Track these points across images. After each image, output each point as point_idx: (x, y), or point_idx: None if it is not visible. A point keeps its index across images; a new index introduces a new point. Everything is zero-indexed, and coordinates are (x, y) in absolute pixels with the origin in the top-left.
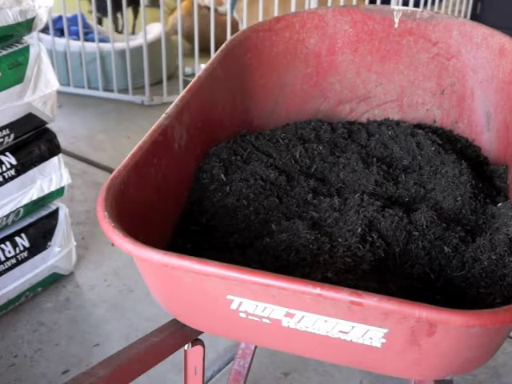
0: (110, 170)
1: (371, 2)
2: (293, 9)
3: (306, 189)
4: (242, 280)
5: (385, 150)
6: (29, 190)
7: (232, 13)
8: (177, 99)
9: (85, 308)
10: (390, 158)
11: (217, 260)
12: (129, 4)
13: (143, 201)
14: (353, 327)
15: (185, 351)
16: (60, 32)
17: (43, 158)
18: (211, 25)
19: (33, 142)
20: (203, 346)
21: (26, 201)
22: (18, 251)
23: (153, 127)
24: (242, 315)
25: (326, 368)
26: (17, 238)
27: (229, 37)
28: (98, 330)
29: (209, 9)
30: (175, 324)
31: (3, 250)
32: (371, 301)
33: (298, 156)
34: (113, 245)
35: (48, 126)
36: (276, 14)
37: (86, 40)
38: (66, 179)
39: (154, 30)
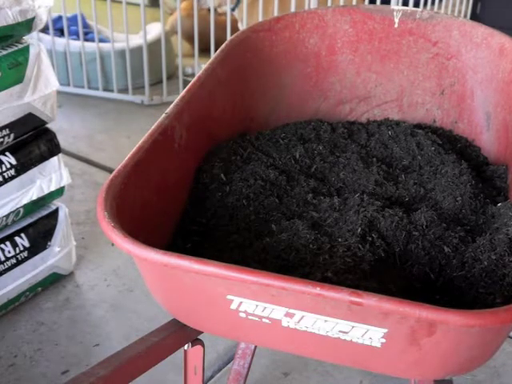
0: (110, 170)
1: (371, 2)
2: (293, 9)
3: (306, 189)
4: (242, 280)
5: (385, 150)
6: (29, 190)
7: (233, 10)
8: (177, 99)
9: (85, 308)
10: (389, 158)
11: (217, 260)
12: None
13: (143, 201)
14: (353, 327)
15: (185, 351)
16: (60, 32)
17: (43, 158)
18: (211, 25)
19: (33, 141)
20: (203, 346)
21: (25, 201)
22: (17, 251)
23: (153, 127)
24: (242, 315)
25: (326, 368)
26: (17, 238)
27: (229, 37)
28: (98, 329)
29: (208, 10)
30: (175, 324)
31: (3, 250)
32: (371, 301)
33: (297, 156)
34: (113, 245)
35: (48, 125)
36: (276, 14)
37: (86, 40)
38: (65, 179)
39: (154, 30)
